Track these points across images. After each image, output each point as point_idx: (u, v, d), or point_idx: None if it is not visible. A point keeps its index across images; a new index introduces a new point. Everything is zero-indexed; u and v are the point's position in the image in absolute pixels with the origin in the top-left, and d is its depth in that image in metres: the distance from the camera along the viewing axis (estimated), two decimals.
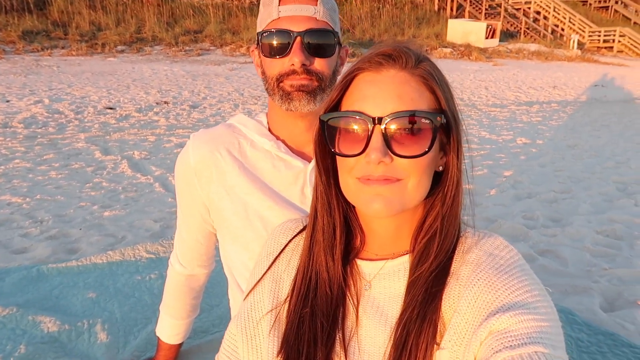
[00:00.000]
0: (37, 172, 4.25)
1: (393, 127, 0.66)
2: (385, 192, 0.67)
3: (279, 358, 0.77)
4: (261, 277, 0.86)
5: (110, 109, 7.02)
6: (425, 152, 0.67)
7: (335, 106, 0.73)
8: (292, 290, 0.80)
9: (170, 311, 1.50)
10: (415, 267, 0.72)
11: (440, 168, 0.73)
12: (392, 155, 0.66)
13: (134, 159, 4.76)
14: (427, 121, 0.67)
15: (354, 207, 0.79)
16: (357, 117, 0.67)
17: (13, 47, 12.57)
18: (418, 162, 0.67)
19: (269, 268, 0.85)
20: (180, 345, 1.58)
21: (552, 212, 3.61)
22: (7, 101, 7.10)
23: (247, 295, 0.87)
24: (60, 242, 2.86)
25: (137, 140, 5.45)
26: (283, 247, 0.86)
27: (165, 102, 7.62)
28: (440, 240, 0.71)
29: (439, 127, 0.68)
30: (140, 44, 14.45)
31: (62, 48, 13.14)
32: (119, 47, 13.87)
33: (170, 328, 1.52)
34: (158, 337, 1.55)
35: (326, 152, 0.76)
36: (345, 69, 0.95)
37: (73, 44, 13.48)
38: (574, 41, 20.46)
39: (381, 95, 0.67)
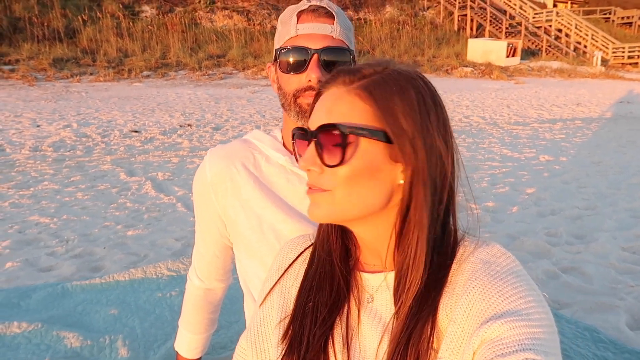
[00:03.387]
0: (65, 194, 4.37)
1: (321, 139, 0.70)
2: (315, 199, 0.72)
3: (282, 345, 0.80)
4: (269, 292, 0.88)
5: (136, 132, 7.20)
6: (339, 163, 0.69)
7: None
8: (300, 285, 0.83)
9: (189, 326, 1.51)
10: (397, 285, 0.73)
11: (401, 181, 0.71)
12: (322, 166, 0.70)
13: (157, 180, 4.86)
14: (337, 132, 0.69)
15: None
16: (301, 131, 0.75)
17: (44, 75, 13.07)
18: (340, 171, 0.69)
19: (276, 283, 0.87)
20: None
21: (576, 228, 3.54)
22: (38, 126, 7.36)
23: (257, 309, 0.89)
24: (85, 260, 2.93)
25: (161, 162, 5.58)
26: (291, 262, 0.88)
27: (189, 125, 7.79)
28: (414, 271, 0.70)
29: (349, 137, 0.69)
30: (165, 69, 14.86)
31: (91, 74, 13.61)
32: (145, 73, 14.29)
33: (188, 342, 1.53)
34: (177, 352, 1.56)
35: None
36: None
37: (101, 70, 13.95)
38: (597, 58, 20.19)
39: (318, 110, 0.73)
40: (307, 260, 0.87)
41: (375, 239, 0.76)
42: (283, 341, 0.80)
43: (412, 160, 0.70)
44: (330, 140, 0.70)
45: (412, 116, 0.70)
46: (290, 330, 0.80)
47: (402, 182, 0.72)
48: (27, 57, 14.15)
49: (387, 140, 0.70)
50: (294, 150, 0.79)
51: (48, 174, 5.00)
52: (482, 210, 4.00)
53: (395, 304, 0.72)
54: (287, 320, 0.82)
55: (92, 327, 2.00)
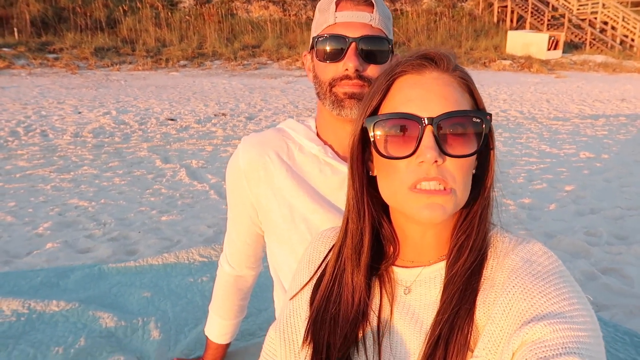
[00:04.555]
0: (103, 178, 4.50)
1: (444, 127, 0.66)
2: (438, 200, 0.66)
3: (305, 346, 0.78)
4: (302, 287, 0.86)
5: (172, 120, 7.34)
6: (477, 151, 0.67)
7: (375, 111, 0.72)
8: (316, 288, 0.81)
9: (219, 311, 1.53)
10: (450, 268, 0.71)
11: (474, 171, 0.72)
12: (444, 155, 0.65)
13: (191, 167, 4.94)
14: (478, 120, 0.67)
15: (387, 214, 0.78)
16: (407, 118, 0.67)
17: (86, 63, 13.45)
18: (465, 163, 0.67)
19: (309, 280, 0.86)
20: (227, 345, 1.61)
21: (618, 229, 3.41)
22: (79, 113, 7.59)
23: (288, 301, 0.88)
24: (121, 243, 3.02)
25: (195, 150, 5.66)
26: (323, 255, 0.87)
27: (223, 114, 7.88)
28: (474, 238, 0.71)
29: (488, 125, 0.68)
30: (201, 58, 15.06)
31: (130, 63, 13.92)
32: (182, 62, 14.52)
33: (218, 328, 1.55)
34: (207, 337, 1.59)
35: (361, 159, 0.76)
36: None
37: (140, 59, 14.25)
38: None
39: (427, 97, 0.67)
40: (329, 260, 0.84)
41: (435, 233, 0.74)
42: (303, 346, 0.78)
43: (494, 145, 0.72)
44: (459, 128, 0.67)
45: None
46: (311, 338, 0.77)
47: (474, 171, 0.72)
48: (71, 46, 14.58)
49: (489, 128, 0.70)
50: (357, 143, 0.74)
51: (88, 159, 5.15)
52: (517, 206, 3.90)
53: (444, 293, 0.70)
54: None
55: (126, 309, 2.05)
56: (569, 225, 3.49)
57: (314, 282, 0.85)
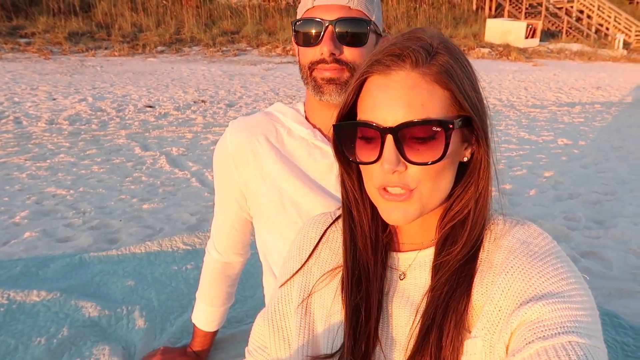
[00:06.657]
0: (81, 166, 4.40)
1: (404, 136, 0.65)
2: (400, 205, 0.67)
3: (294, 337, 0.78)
4: (292, 275, 0.85)
5: (150, 107, 7.20)
6: (440, 159, 0.65)
7: (351, 109, 0.73)
8: (342, 282, 0.80)
9: (207, 298, 1.52)
10: (438, 254, 0.71)
11: (465, 159, 0.72)
12: (405, 163, 0.66)
13: (172, 155, 4.87)
14: (439, 129, 0.65)
15: None
16: (369, 127, 0.67)
17: (60, 48, 13.07)
18: (432, 168, 0.66)
19: (302, 266, 0.85)
20: (215, 332, 1.60)
21: (595, 213, 3.49)
22: (54, 99, 7.39)
23: (277, 289, 0.88)
24: (101, 232, 2.96)
25: (175, 138, 5.58)
26: (315, 242, 0.86)
27: (203, 101, 7.76)
28: (469, 229, 0.70)
29: (451, 132, 0.65)
30: (179, 44, 14.77)
31: (105, 49, 13.58)
32: (159, 48, 14.22)
33: (206, 315, 1.54)
34: (194, 324, 1.57)
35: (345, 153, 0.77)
36: None
37: (116, 44, 13.90)
38: (619, 41, 19.66)
39: (390, 103, 0.65)
40: (329, 241, 0.85)
41: (421, 221, 0.74)
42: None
43: (486, 137, 0.69)
44: (421, 137, 0.64)
45: (476, 90, 0.69)
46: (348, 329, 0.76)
47: (465, 159, 0.72)
48: (43, 30, 14.13)
49: (468, 124, 0.68)
50: (334, 140, 0.74)
51: (64, 146, 5.03)
52: (498, 192, 3.96)
53: (433, 277, 0.70)
54: (305, 303, 0.81)
55: (109, 298, 2.02)
56: (548, 210, 3.55)
57: (304, 267, 0.84)
